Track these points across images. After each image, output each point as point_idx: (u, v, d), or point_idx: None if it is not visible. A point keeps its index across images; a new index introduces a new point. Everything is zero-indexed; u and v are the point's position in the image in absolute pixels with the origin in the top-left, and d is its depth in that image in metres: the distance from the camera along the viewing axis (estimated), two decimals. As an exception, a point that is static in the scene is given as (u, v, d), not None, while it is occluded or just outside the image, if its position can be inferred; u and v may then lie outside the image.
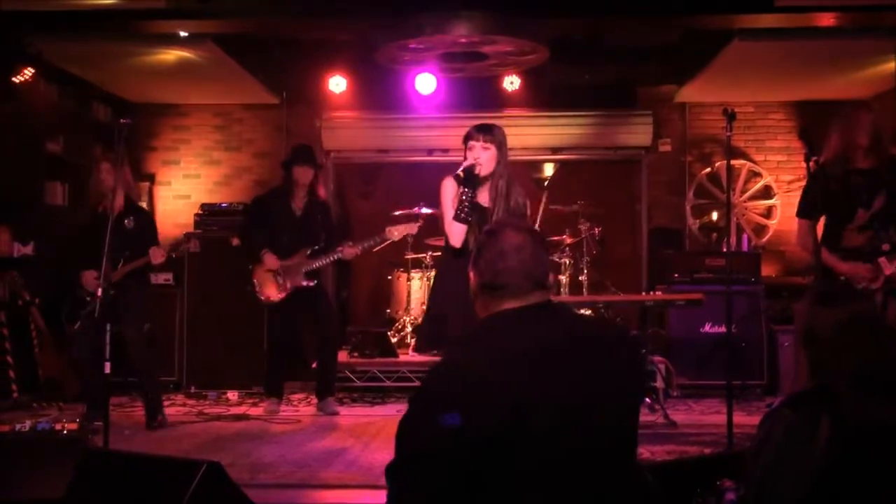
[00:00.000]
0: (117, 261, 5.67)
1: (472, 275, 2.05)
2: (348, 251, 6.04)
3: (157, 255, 5.70)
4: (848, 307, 2.09)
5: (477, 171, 4.08)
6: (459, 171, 4.05)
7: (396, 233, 6.09)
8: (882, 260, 4.37)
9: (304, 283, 6.09)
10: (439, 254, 7.78)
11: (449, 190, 4.23)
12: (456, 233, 4.13)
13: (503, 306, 1.95)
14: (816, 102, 8.19)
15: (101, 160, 5.82)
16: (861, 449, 1.85)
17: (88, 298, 5.61)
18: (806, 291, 4.19)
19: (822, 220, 4.66)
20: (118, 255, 5.67)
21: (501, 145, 4.17)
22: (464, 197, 4.03)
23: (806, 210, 4.70)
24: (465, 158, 4.16)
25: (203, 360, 7.14)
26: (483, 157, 4.10)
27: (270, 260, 6.09)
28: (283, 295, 6.12)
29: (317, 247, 6.12)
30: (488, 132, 4.16)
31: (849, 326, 2.03)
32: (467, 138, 4.18)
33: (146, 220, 6.05)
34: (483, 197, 4.17)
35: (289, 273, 6.10)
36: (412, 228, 6.13)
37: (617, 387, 1.90)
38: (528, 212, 4.30)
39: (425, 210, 7.52)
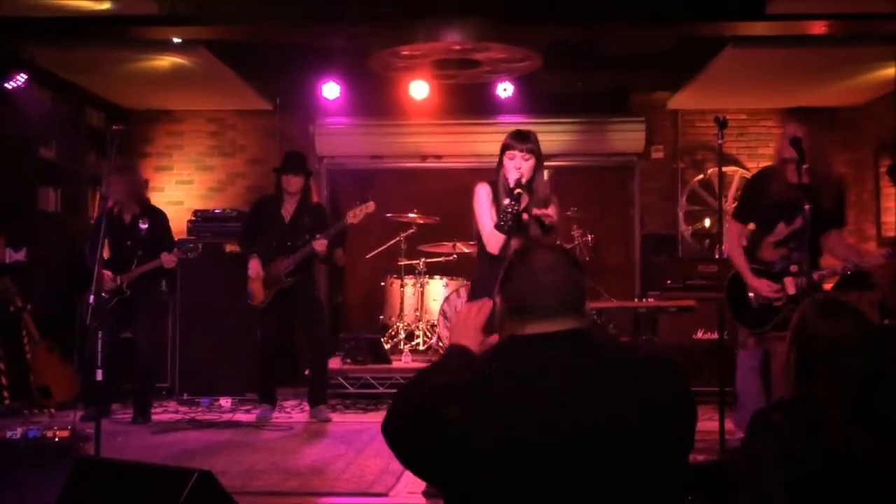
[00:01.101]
0: (131, 262, 5.93)
1: (498, 300, 1.85)
2: (317, 244, 6.02)
3: (168, 261, 5.92)
4: (850, 324, 2.06)
5: (523, 183, 4.04)
6: (516, 189, 3.97)
7: (354, 216, 6.06)
8: (787, 280, 4.46)
9: (284, 284, 6.11)
10: (439, 260, 7.82)
11: (483, 197, 4.18)
12: (495, 241, 4.08)
13: (527, 330, 1.75)
14: (808, 109, 8.23)
15: (110, 173, 5.95)
16: (842, 462, 1.86)
17: (105, 296, 5.87)
18: (805, 298, 4.22)
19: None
20: (132, 257, 5.89)
21: (539, 152, 4.14)
22: (509, 208, 3.96)
23: (739, 212, 4.83)
24: (503, 167, 4.11)
25: (196, 367, 7.11)
26: (525, 167, 4.06)
27: (253, 266, 6.18)
28: (266, 299, 6.16)
29: (297, 247, 6.13)
30: (527, 140, 4.10)
31: (848, 343, 2.01)
32: (507, 148, 4.11)
33: (161, 221, 6.27)
34: (523, 204, 4.10)
35: (271, 276, 6.14)
36: (369, 207, 6.10)
37: (653, 435, 1.65)
38: (557, 210, 4.23)
39: (414, 215, 7.55)
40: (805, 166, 4.33)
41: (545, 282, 1.76)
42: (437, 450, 1.65)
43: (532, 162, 4.09)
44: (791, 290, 4.44)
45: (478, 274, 4.33)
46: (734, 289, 4.71)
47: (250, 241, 6.31)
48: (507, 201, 3.99)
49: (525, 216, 4.05)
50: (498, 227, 4.01)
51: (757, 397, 4.67)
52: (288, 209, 6.22)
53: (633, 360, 1.77)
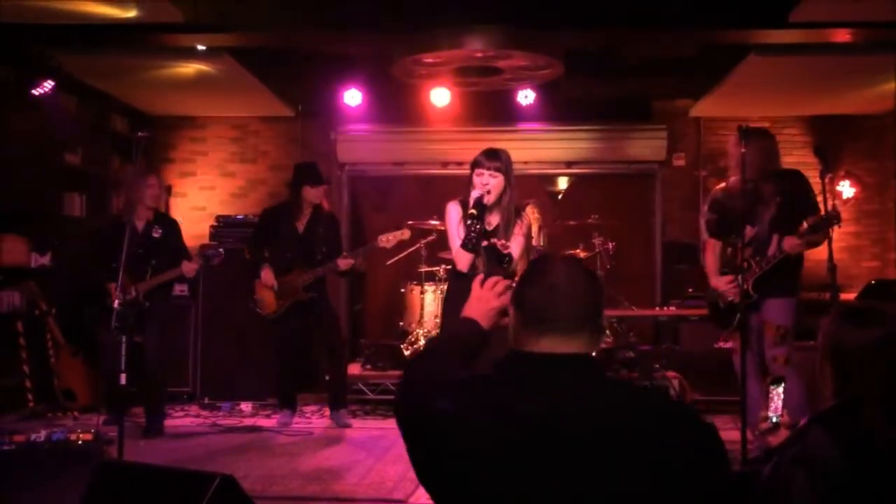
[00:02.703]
0: (145, 270, 5.85)
1: (512, 312, 1.78)
2: (342, 262, 6.06)
3: (189, 269, 5.88)
4: (881, 328, 2.03)
5: (486, 202, 4.09)
6: (472, 209, 4.02)
7: (387, 240, 6.08)
8: (742, 275, 4.77)
9: (302, 297, 6.12)
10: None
11: (454, 215, 4.28)
12: (464, 259, 4.18)
13: (541, 344, 1.68)
14: (832, 118, 8.17)
15: (147, 174, 6.00)
16: (886, 471, 1.84)
17: (121, 307, 5.76)
18: (832, 307, 4.24)
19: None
20: (146, 265, 5.83)
21: (509, 170, 4.20)
22: (472, 229, 4.02)
23: (712, 230, 5.15)
24: (472, 183, 4.17)
25: (217, 372, 7.17)
26: (492, 185, 4.13)
27: (267, 276, 6.19)
28: (279, 310, 6.17)
29: (315, 260, 6.14)
30: (496, 159, 4.17)
31: (881, 347, 1.99)
32: (475, 165, 4.19)
33: (173, 229, 6.22)
34: (491, 221, 4.17)
35: (286, 288, 6.15)
36: (404, 234, 6.13)
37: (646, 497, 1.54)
38: (535, 228, 4.31)
39: (436, 222, 7.55)
40: (829, 174, 4.49)
41: (563, 291, 1.70)
42: (435, 449, 1.67)
43: (500, 179, 4.16)
44: (746, 284, 4.78)
45: (449, 288, 4.48)
46: (710, 297, 5.16)
47: (260, 250, 6.32)
48: (469, 221, 4.05)
49: (484, 242, 4.10)
50: (463, 246, 4.09)
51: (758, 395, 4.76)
52: (302, 220, 6.23)
53: (640, 403, 1.68)
